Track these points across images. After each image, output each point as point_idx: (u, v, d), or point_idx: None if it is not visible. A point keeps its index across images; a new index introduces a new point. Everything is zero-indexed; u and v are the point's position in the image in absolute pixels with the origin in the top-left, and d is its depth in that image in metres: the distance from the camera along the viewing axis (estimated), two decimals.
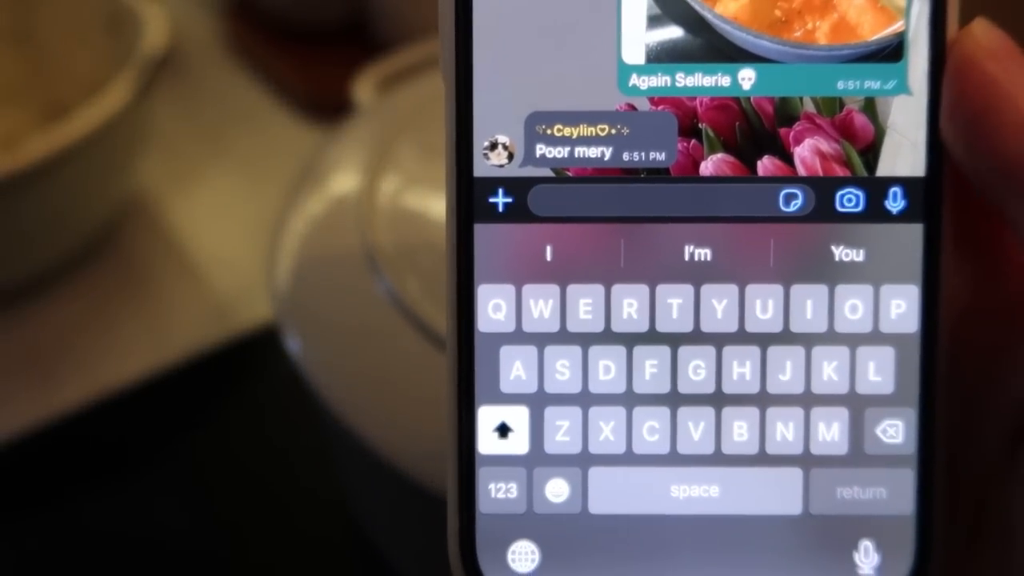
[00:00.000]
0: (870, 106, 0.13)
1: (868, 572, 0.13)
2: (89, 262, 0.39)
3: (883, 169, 0.13)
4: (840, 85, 0.13)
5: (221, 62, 0.55)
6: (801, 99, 0.13)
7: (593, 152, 0.13)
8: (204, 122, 0.49)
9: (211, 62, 0.55)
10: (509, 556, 0.14)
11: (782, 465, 0.13)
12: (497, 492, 0.14)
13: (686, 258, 0.13)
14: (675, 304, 0.13)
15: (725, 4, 0.13)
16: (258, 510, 0.29)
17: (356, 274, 0.21)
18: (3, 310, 0.37)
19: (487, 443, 0.13)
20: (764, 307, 0.13)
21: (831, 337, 0.13)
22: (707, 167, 0.13)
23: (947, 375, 0.13)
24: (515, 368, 0.13)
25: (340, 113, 0.31)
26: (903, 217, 0.13)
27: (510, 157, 0.13)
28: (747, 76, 0.13)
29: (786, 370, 0.13)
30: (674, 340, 0.13)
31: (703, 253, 0.13)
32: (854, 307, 0.13)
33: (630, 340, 0.13)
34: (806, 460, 0.13)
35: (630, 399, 0.13)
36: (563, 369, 0.13)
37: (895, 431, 0.13)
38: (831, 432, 0.13)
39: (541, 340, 0.13)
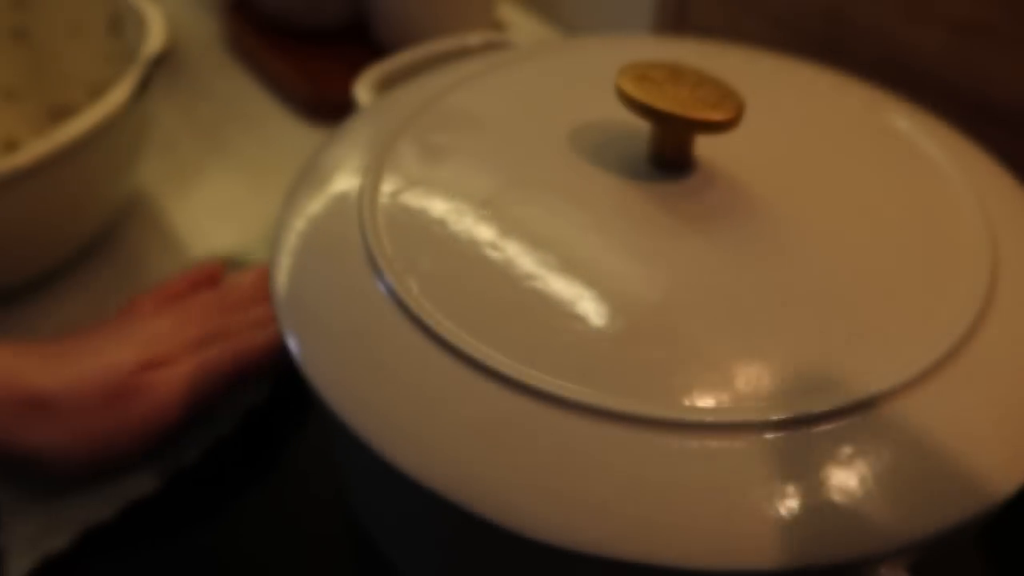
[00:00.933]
0: None
1: None
2: (89, 261, 0.39)
3: None
4: None
5: (221, 62, 0.55)
6: None
7: None
8: (204, 122, 0.49)
9: (211, 62, 0.55)
10: None
11: None
12: None
13: None
14: None
15: None
16: (258, 510, 0.29)
17: (356, 274, 0.21)
18: (3, 310, 0.37)
19: None
20: None
21: None
22: None
23: None
24: None
25: (340, 113, 0.31)
26: None
27: None
28: None
29: None
30: None
31: None
32: None
33: None
34: None
35: None
36: None
37: None
38: None
39: None
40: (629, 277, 0.20)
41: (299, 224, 0.23)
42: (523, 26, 0.59)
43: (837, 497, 0.16)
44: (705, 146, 0.24)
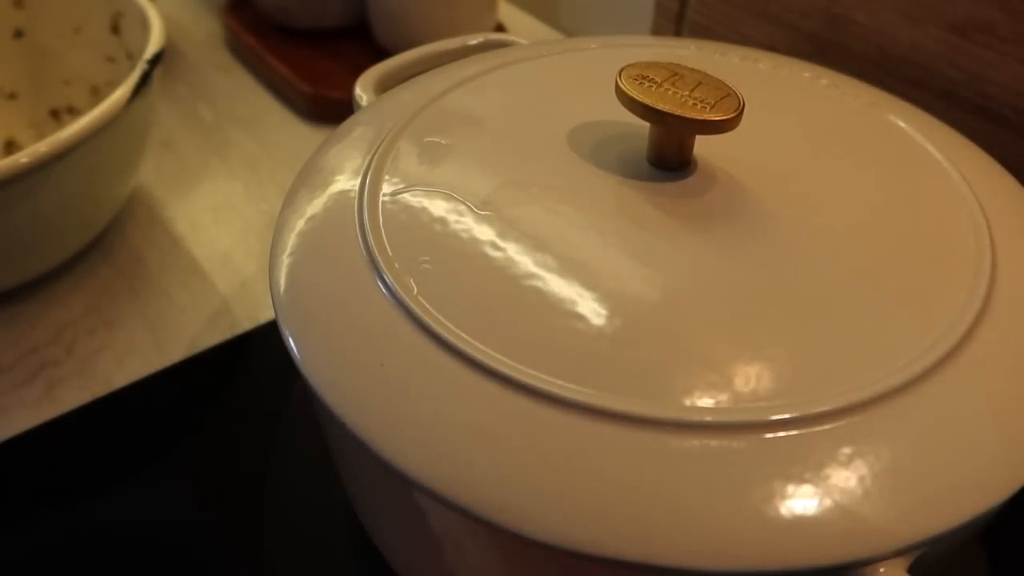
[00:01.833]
0: None
1: None
2: (90, 261, 0.39)
3: None
4: None
5: (221, 62, 0.55)
6: None
7: None
8: (204, 122, 0.49)
9: (211, 62, 0.55)
10: None
11: None
12: None
13: None
14: None
15: None
16: (259, 510, 0.29)
17: (356, 274, 0.21)
18: (3, 310, 0.37)
19: None
20: None
21: None
22: None
23: None
24: None
25: (340, 113, 0.31)
26: None
27: None
28: None
29: None
30: None
31: None
32: None
33: None
34: None
35: None
36: None
37: None
38: None
39: None
40: (629, 277, 0.20)
41: (299, 224, 0.23)
42: (523, 26, 0.59)
43: (837, 497, 0.16)
44: (705, 146, 0.24)
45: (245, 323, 0.36)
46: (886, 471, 0.17)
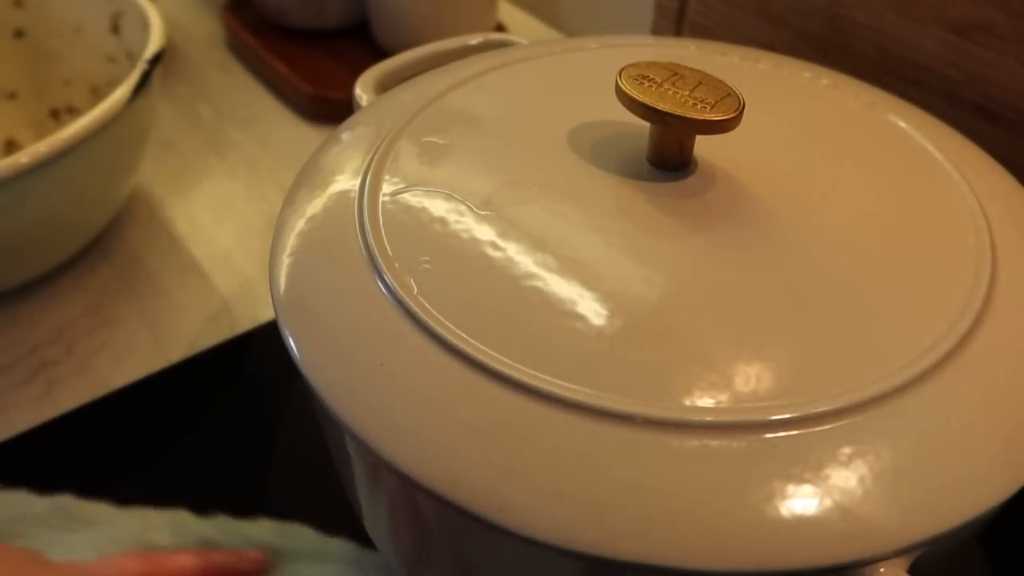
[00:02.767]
0: None
1: None
2: (89, 261, 0.39)
3: None
4: None
5: (221, 62, 0.55)
6: None
7: None
8: (204, 122, 0.49)
9: (211, 62, 0.55)
10: None
11: None
12: None
13: None
14: None
15: None
16: (259, 510, 0.29)
17: (356, 274, 0.21)
18: (3, 309, 0.37)
19: None
20: None
21: None
22: None
23: None
24: None
25: (340, 113, 0.31)
26: None
27: None
28: None
29: None
30: None
31: None
32: None
33: None
34: None
35: None
36: None
37: None
38: None
39: None
40: (629, 277, 0.20)
41: (299, 224, 0.23)
42: (523, 26, 0.59)
43: (837, 497, 0.16)
44: (705, 146, 0.24)
45: (245, 323, 0.36)
46: (886, 471, 0.17)
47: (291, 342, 0.20)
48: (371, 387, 0.19)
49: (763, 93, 0.26)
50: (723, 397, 0.18)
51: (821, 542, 0.16)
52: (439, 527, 0.20)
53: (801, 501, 0.16)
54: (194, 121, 0.49)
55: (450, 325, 0.19)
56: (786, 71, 0.29)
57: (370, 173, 0.24)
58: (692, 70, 0.23)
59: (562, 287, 0.20)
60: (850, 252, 0.21)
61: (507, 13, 0.60)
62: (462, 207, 0.22)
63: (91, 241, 0.39)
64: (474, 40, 0.33)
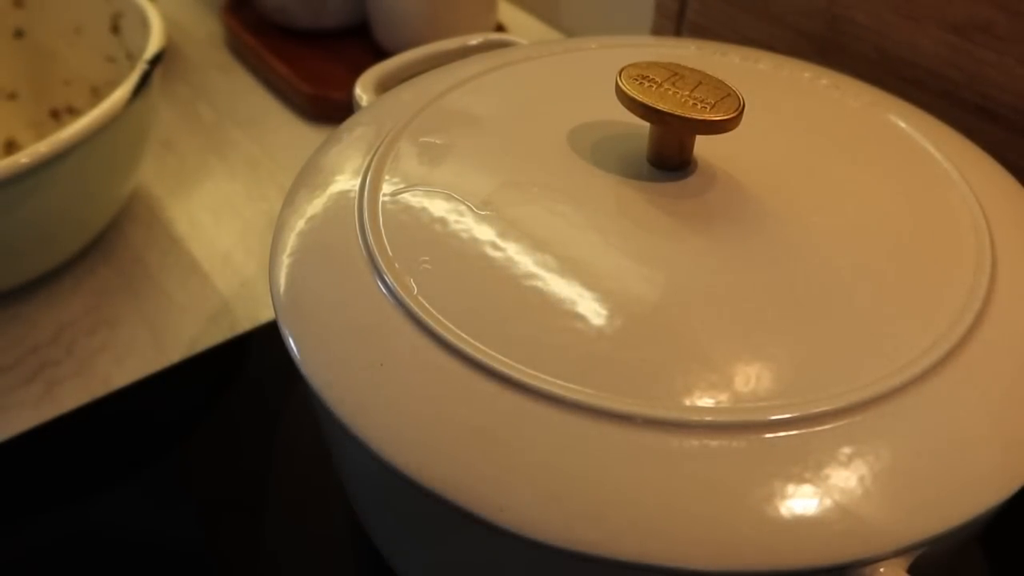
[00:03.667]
0: None
1: None
2: (90, 261, 0.39)
3: None
4: None
5: (221, 62, 0.55)
6: None
7: None
8: (204, 122, 0.49)
9: (211, 62, 0.55)
10: None
11: None
12: None
13: None
14: None
15: None
16: (259, 510, 0.29)
17: (356, 274, 0.21)
18: (3, 310, 0.37)
19: None
20: None
21: None
22: None
23: None
24: None
25: (340, 113, 0.31)
26: None
27: None
28: None
29: None
30: None
31: None
32: None
33: None
34: None
35: None
36: None
37: None
38: None
39: None
40: (629, 277, 0.20)
41: (299, 224, 0.23)
42: (523, 26, 0.59)
43: (837, 497, 0.16)
44: (705, 146, 0.24)
45: (245, 323, 0.36)
46: (886, 471, 0.17)
47: (291, 342, 0.20)
48: (371, 387, 0.19)
49: (763, 93, 0.26)
50: (723, 397, 0.18)
51: (821, 542, 0.16)
52: (438, 527, 0.20)
53: (801, 501, 0.16)
54: (194, 121, 0.49)
55: (450, 325, 0.19)
56: (786, 71, 0.29)
57: (370, 173, 0.24)
58: (692, 70, 0.23)
59: (562, 287, 0.20)
60: (850, 252, 0.21)
61: (507, 13, 0.60)
62: (462, 207, 0.22)
63: (91, 241, 0.39)
64: (474, 40, 0.33)
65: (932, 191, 0.23)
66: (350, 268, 0.21)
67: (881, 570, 0.16)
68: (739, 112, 0.22)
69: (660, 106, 0.22)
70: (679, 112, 0.21)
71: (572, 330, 0.19)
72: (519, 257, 0.21)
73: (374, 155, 0.24)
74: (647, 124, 0.23)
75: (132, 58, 0.41)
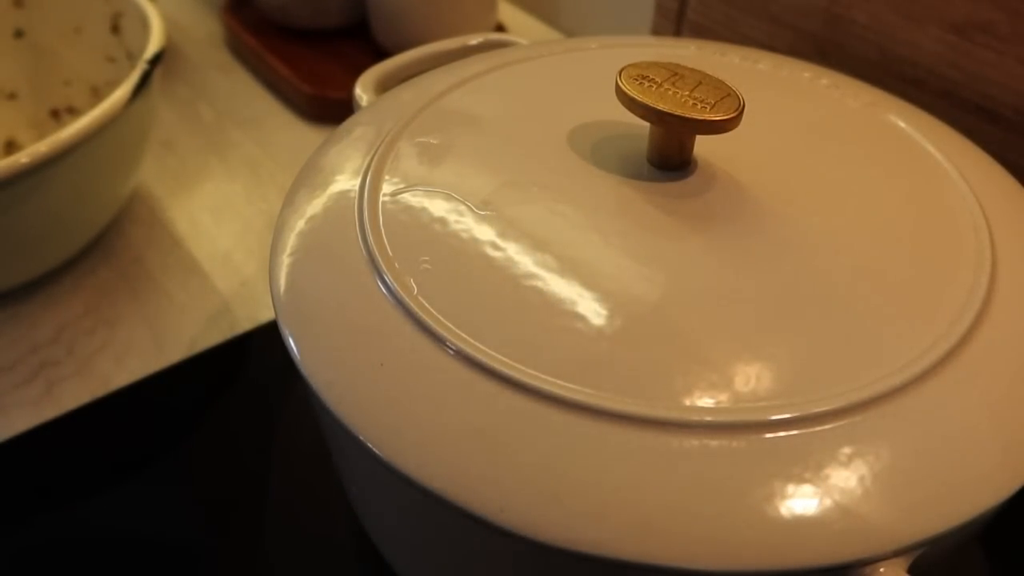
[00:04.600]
0: None
1: None
2: (90, 261, 0.39)
3: None
4: None
5: (221, 62, 0.55)
6: None
7: None
8: (204, 122, 0.49)
9: (211, 62, 0.55)
10: None
11: None
12: None
13: None
14: None
15: None
16: (259, 510, 0.29)
17: (356, 274, 0.21)
18: (3, 310, 0.37)
19: None
20: None
21: None
22: None
23: None
24: None
25: (340, 113, 0.31)
26: None
27: None
28: None
29: None
30: None
31: None
32: None
33: None
34: None
35: None
36: None
37: None
38: None
39: None
40: (629, 277, 0.20)
41: (299, 224, 0.23)
42: (523, 26, 0.59)
43: (837, 497, 0.16)
44: (705, 146, 0.24)
45: (245, 323, 0.36)
46: (886, 471, 0.17)
47: (291, 342, 0.20)
48: (371, 387, 0.19)
49: (763, 93, 0.26)
50: (723, 397, 0.18)
51: (821, 542, 0.16)
52: (438, 527, 0.20)
53: (801, 501, 0.16)
54: (194, 121, 0.49)
55: (450, 325, 0.19)
56: (786, 71, 0.29)
57: (370, 173, 0.24)
58: (692, 70, 0.23)
59: (562, 287, 0.20)
60: (850, 252, 0.21)
61: (507, 13, 0.60)
62: (462, 207, 0.22)
63: (91, 241, 0.39)
64: (474, 40, 0.33)
65: (932, 191, 0.23)
66: (350, 268, 0.21)
67: (881, 570, 0.16)
68: (739, 112, 0.22)
69: (660, 106, 0.22)
70: (679, 112, 0.21)
71: (572, 330, 0.19)
72: (519, 257, 0.21)
73: (374, 155, 0.24)
74: (647, 124, 0.23)
75: (132, 58, 0.41)
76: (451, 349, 0.19)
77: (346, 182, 0.24)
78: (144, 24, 0.39)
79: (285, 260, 0.22)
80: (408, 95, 0.28)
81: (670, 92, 0.22)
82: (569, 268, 0.20)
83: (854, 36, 0.35)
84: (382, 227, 0.22)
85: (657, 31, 0.43)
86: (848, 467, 0.17)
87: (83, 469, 0.31)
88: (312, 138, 0.48)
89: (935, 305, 0.20)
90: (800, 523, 0.16)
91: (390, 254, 0.21)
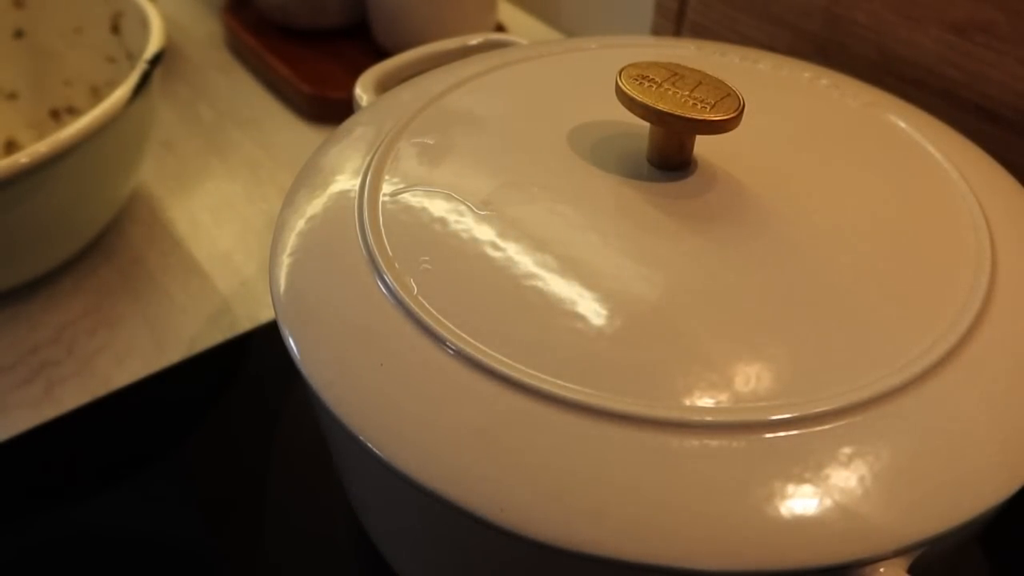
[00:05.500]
0: None
1: None
2: (90, 261, 0.39)
3: None
4: None
5: (221, 62, 0.55)
6: None
7: None
8: (204, 122, 0.49)
9: (211, 62, 0.55)
10: None
11: None
12: None
13: None
14: None
15: None
16: (259, 510, 0.29)
17: (356, 274, 0.21)
18: (3, 310, 0.37)
19: None
20: None
21: None
22: None
23: None
24: None
25: (340, 113, 0.31)
26: None
27: None
28: None
29: None
30: None
31: None
32: None
33: None
34: None
35: None
36: None
37: None
38: None
39: None
40: (629, 277, 0.20)
41: (299, 224, 0.23)
42: (523, 26, 0.59)
43: (837, 497, 0.16)
44: (705, 146, 0.24)
45: (245, 323, 0.36)
46: (886, 471, 0.17)
47: (291, 342, 0.20)
48: (371, 387, 0.19)
49: (763, 93, 0.26)
50: (723, 397, 0.18)
51: (821, 542, 0.16)
52: (438, 527, 0.20)
53: (801, 501, 0.16)
54: (194, 122, 0.49)
55: (450, 325, 0.19)
56: (786, 71, 0.29)
57: (370, 173, 0.24)
58: (692, 70, 0.23)
59: (562, 287, 0.20)
60: (850, 252, 0.21)
61: (507, 13, 0.60)
62: (462, 207, 0.22)
63: (92, 241, 0.39)
64: (474, 40, 0.33)
65: (932, 191, 0.23)
66: (350, 268, 0.21)
67: (881, 570, 0.16)
68: (739, 112, 0.22)
69: (660, 106, 0.22)
70: (679, 112, 0.21)
71: (572, 330, 0.19)
72: (519, 257, 0.21)
73: (374, 155, 0.24)
74: (647, 124, 0.23)
75: (132, 58, 0.41)
76: (451, 349, 0.19)
77: (346, 182, 0.24)
78: (144, 24, 0.39)
79: (285, 260, 0.22)
80: (408, 95, 0.28)
81: (670, 92, 0.22)
82: (569, 268, 0.20)
83: (854, 36, 0.35)
84: (382, 227, 0.22)
85: (657, 31, 0.43)
86: (848, 467, 0.17)
87: (83, 469, 0.31)
88: (312, 138, 0.48)
89: (935, 305, 0.20)
90: (800, 523, 0.16)
91: (390, 254, 0.21)
